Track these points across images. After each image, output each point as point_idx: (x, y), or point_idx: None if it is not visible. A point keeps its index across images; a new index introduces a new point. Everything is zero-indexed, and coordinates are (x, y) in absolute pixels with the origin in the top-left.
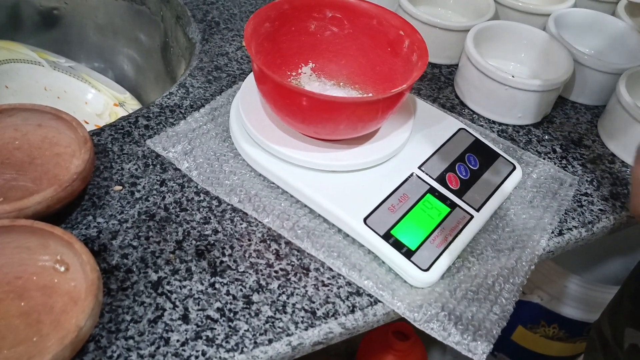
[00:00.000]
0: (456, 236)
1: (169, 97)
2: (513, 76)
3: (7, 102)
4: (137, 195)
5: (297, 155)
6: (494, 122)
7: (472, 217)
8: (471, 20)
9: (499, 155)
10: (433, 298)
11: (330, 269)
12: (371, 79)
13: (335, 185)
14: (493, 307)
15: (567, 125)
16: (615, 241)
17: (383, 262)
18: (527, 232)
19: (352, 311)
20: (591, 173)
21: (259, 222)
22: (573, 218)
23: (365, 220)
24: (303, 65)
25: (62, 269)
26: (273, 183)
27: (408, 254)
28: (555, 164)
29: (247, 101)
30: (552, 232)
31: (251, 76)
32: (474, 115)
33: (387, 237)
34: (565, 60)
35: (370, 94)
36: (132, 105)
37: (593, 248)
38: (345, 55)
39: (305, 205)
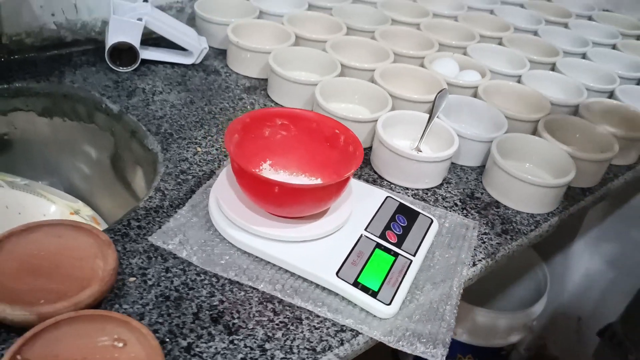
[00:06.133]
0: (404, 276)
1: (149, 200)
2: (419, 151)
3: None
4: (150, 282)
5: (274, 232)
6: (407, 188)
7: (411, 261)
8: (374, 112)
9: (419, 212)
10: (397, 324)
11: (318, 316)
12: (316, 167)
13: (307, 252)
14: (441, 324)
15: (461, 184)
16: (507, 273)
17: (355, 304)
18: (452, 267)
19: (342, 344)
20: (485, 217)
21: (254, 288)
22: (480, 252)
23: (337, 274)
24: (262, 162)
25: (121, 345)
26: (258, 257)
27: (374, 294)
28: (459, 214)
29: (222, 195)
30: (468, 264)
31: (222, 176)
32: (392, 185)
33: (356, 284)
34: (452, 136)
35: (319, 179)
36: (87, 212)
37: (491, 282)
38: (294, 151)
39: (287, 270)
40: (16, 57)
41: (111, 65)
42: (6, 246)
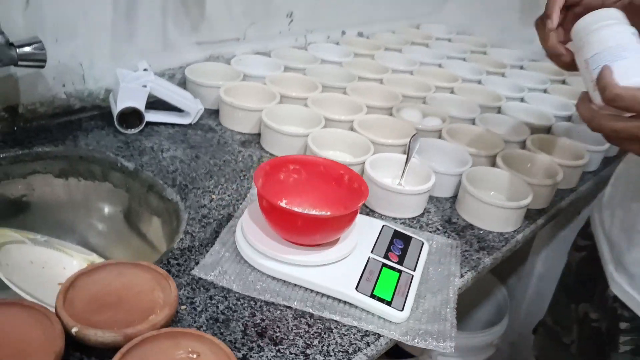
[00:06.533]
0: (409, 288)
1: (181, 242)
2: (402, 186)
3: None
4: (199, 309)
5: (299, 259)
6: (395, 218)
7: (412, 275)
8: (358, 156)
9: (412, 237)
10: (410, 326)
11: (344, 325)
12: (326, 204)
13: (328, 273)
14: (445, 323)
15: (439, 212)
16: (470, 297)
17: (374, 314)
18: (445, 278)
19: (368, 345)
20: (464, 238)
21: (288, 307)
22: (464, 266)
23: (356, 289)
24: (279, 202)
25: (194, 356)
26: (287, 281)
27: (388, 303)
28: (442, 236)
29: (249, 231)
30: (458, 276)
31: (245, 215)
32: (383, 216)
33: (372, 296)
34: (429, 172)
35: (329, 213)
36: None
37: (458, 306)
38: (306, 191)
39: (313, 290)
40: (32, 124)
41: (119, 128)
42: (78, 284)
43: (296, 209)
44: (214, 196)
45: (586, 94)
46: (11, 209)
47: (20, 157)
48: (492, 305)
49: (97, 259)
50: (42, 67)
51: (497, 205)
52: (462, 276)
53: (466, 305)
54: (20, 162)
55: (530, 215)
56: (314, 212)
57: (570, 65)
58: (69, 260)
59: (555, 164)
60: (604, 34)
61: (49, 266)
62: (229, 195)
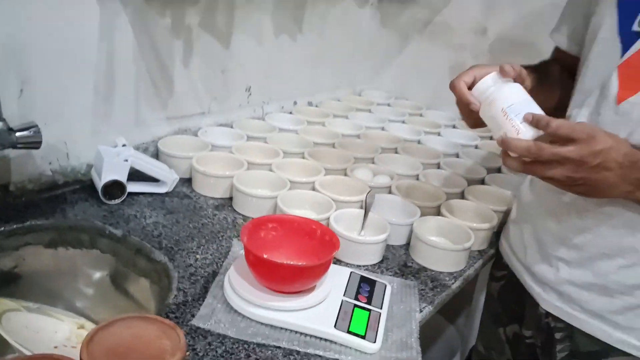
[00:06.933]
0: (379, 323)
1: (175, 298)
2: (364, 237)
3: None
4: (200, 354)
5: (283, 305)
6: (359, 265)
7: (380, 313)
8: (321, 213)
9: (376, 280)
10: (383, 354)
11: (328, 358)
12: (302, 256)
13: (309, 316)
14: (412, 351)
15: (395, 258)
16: (425, 339)
17: (351, 347)
18: (407, 314)
19: None
20: (419, 279)
21: (277, 347)
22: (422, 302)
23: (335, 327)
24: (263, 256)
25: None
26: (275, 325)
27: (363, 337)
28: (401, 278)
29: (237, 285)
30: (418, 311)
31: (231, 270)
32: (348, 264)
33: (349, 332)
34: (384, 224)
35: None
36: (91, 325)
37: None
38: (284, 246)
39: (298, 330)
40: (21, 200)
41: (103, 199)
42: (95, 339)
43: (278, 261)
44: (198, 256)
45: (504, 152)
46: (4, 279)
47: (13, 231)
48: (444, 347)
49: (87, 323)
50: (38, 148)
51: (444, 249)
52: (421, 311)
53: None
54: (13, 235)
55: (473, 255)
56: (292, 263)
57: (477, 120)
58: (60, 325)
59: (490, 210)
60: (510, 89)
61: (42, 331)
62: (211, 255)
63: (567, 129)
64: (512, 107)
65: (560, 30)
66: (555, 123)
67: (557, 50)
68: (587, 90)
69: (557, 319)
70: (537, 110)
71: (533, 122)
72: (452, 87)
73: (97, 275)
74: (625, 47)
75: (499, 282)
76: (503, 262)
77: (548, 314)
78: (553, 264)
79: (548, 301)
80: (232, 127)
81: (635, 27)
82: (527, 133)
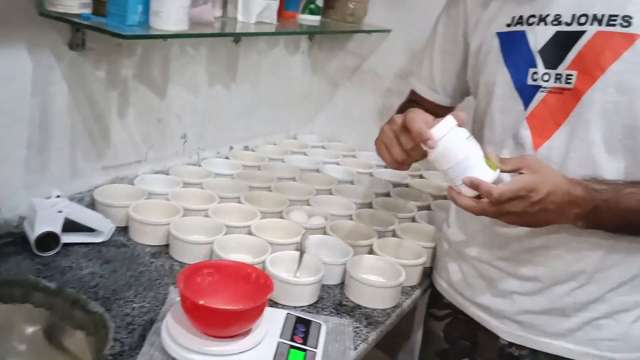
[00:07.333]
0: None
1: (112, 348)
2: (299, 278)
3: None
4: None
5: (221, 349)
6: (295, 306)
7: (316, 352)
8: (257, 256)
9: (311, 320)
10: None
11: None
12: (238, 300)
13: (246, 359)
14: None
15: (330, 297)
16: None
17: None
18: (342, 352)
19: None
20: (354, 317)
21: None
22: (357, 340)
23: None
24: (199, 302)
25: None
26: None
27: None
28: (336, 317)
29: (174, 332)
30: (352, 349)
31: (168, 317)
32: (285, 306)
33: None
34: (319, 264)
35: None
36: None
37: None
38: (220, 291)
39: None
40: None
41: (37, 252)
42: None
43: (212, 306)
44: (135, 305)
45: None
46: None
47: None
48: None
49: None
50: None
51: (377, 286)
52: (355, 348)
53: None
54: None
55: (406, 291)
56: (228, 307)
57: (404, 165)
58: None
59: (421, 247)
60: (450, 148)
61: None
62: (148, 303)
63: (510, 194)
64: (451, 169)
65: (426, 81)
66: (497, 192)
67: (415, 94)
68: (500, 141)
69: (520, 347)
70: (477, 169)
71: (472, 187)
72: (410, 121)
73: (30, 330)
74: (527, 100)
75: (442, 321)
76: (444, 302)
77: (511, 344)
78: (507, 297)
79: (509, 332)
80: (168, 174)
81: (529, 82)
82: (468, 193)
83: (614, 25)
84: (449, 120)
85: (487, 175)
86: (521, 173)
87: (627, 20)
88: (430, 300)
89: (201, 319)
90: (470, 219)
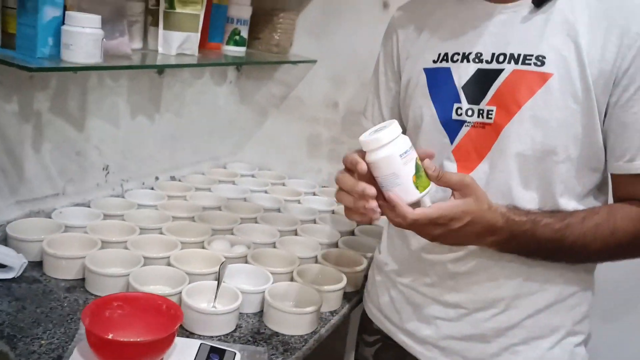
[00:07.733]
0: None
1: None
2: (215, 307)
3: None
4: None
5: None
6: (212, 336)
7: None
8: (175, 287)
9: (225, 349)
10: None
11: None
12: (149, 331)
13: None
14: None
15: (248, 326)
16: None
17: None
18: None
19: None
20: (271, 344)
21: None
22: None
23: None
24: (106, 336)
25: None
26: None
27: None
28: (252, 346)
29: None
30: None
31: (75, 354)
32: (202, 336)
33: None
34: (237, 293)
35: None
36: None
37: None
38: (131, 324)
39: None
40: None
41: None
42: None
43: (115, 339)
44: (43, 342)
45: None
46: None
47: None
48: None
49: None
50: None
51: (292, 313)
52: None
53: None
54: None
55: (324, 317)
56: (132, 340)
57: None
58: None
59: (340, 272)
60: (382, 159)
61: None
62: (57, 339)
63: (425, 221)
64: (380, 179)
65: (377, 120)
66: (411, 218)
67: None
68: None
69: None
70: (402, 187)
71: (389, 207)
72: (344, 159)
73: None
74: (452, 135)
75: (372, 346)
76: (374, 327)
77: None
78: (432, 323)
79: (432, 358)
80: (89, 206)
81: (454, 117)
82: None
83: (529, 64)
84: (392, 129)
85: (410, 194)
86: (454, 192)
87: (540, 60)
88: (361, 325)
89: (105, 353)
90: (400, 245)
